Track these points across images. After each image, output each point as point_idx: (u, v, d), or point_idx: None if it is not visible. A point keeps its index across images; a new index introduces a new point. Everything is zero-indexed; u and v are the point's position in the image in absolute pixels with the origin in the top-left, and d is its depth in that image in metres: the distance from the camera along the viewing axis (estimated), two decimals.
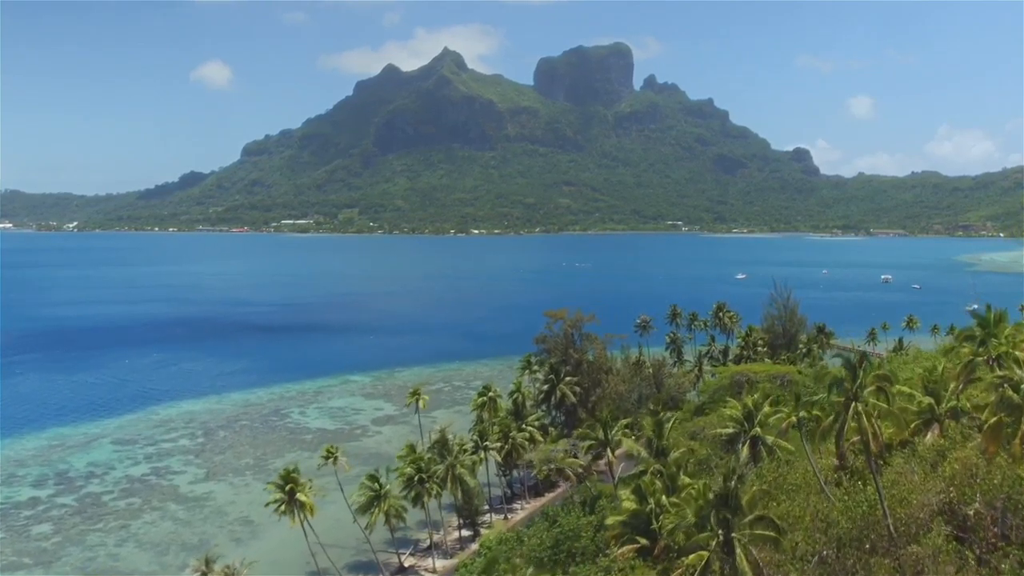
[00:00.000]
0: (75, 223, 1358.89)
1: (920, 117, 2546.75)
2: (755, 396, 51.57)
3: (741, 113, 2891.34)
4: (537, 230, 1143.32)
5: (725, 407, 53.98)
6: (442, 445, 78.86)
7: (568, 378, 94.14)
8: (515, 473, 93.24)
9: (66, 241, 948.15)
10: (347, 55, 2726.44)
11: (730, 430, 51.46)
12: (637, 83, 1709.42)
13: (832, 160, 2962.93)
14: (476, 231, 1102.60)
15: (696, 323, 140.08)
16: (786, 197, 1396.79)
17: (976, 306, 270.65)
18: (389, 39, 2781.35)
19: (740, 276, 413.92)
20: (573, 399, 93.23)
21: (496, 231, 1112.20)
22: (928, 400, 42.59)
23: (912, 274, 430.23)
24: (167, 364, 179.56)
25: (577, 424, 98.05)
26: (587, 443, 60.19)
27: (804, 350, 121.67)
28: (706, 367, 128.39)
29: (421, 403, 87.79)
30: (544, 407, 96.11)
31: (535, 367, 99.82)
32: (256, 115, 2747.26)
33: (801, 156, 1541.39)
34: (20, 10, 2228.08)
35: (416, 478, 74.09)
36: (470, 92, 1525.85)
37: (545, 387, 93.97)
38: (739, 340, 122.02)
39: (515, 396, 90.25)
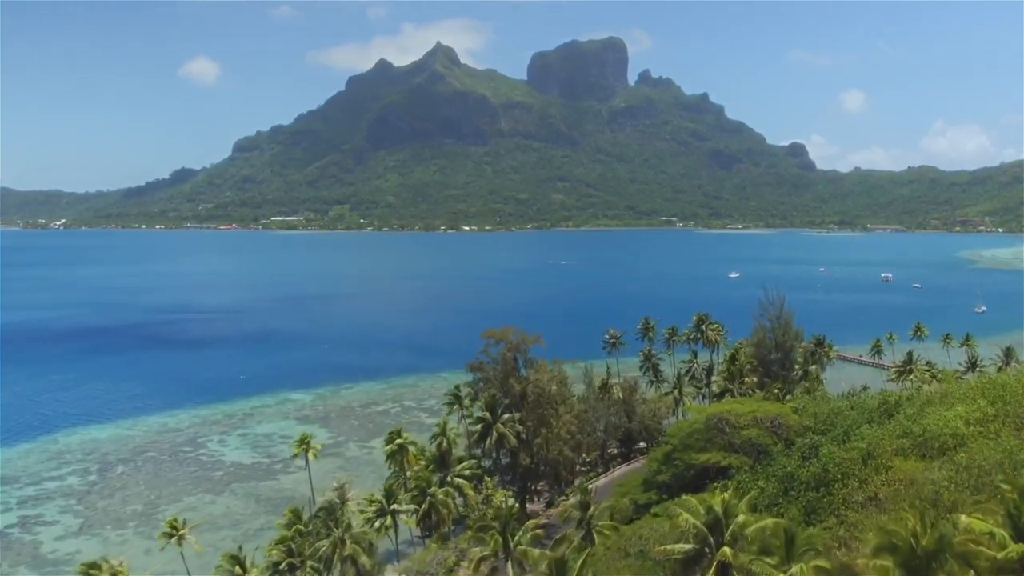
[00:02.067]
0: (62, 221, 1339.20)
1: (914, 112, 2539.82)
2: (726, 495, 33.25)
3: (736, 108, 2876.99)
4: (529, 226, 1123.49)
5: (680, 508, 35.17)
6: (328, 513, 60.24)
7: (507, 415, 75.57)
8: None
9: (44, 239, 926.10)
10: (336, 51, 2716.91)
11: (688, 546, 33.22)
12: (632, 78, 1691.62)
13: (827, 155, 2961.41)
14: (467, 228, 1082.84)
15: (676, 338, 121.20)
16: (782, 192, 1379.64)
17: (984, 308, 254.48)
18: (376, 35, 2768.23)
19: (733, 275, 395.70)
20: (514, 442, 74.72)
21: (488, 228, 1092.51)
22: (1021, 548, 24.46)
23: (912, 272, 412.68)
24: (82, 381, 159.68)
25: (519, 469, 79.59)
26: (479, 553, 41.90)
27: (800, 372, 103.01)
28: (687, 388, 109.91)
29: (311, 454, 68.69)
30: (480, 449, 77.50)
31: (466, 401, 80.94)
32: (247, 111, 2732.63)
33: (797, 151, 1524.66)
34: (12, 9, 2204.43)
35: (284, 564, 55.45)
36: (463, 87, 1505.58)
37: (478, 427, 75.35)
38: (722, 365, 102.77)
39: (438, 440, 71.57)
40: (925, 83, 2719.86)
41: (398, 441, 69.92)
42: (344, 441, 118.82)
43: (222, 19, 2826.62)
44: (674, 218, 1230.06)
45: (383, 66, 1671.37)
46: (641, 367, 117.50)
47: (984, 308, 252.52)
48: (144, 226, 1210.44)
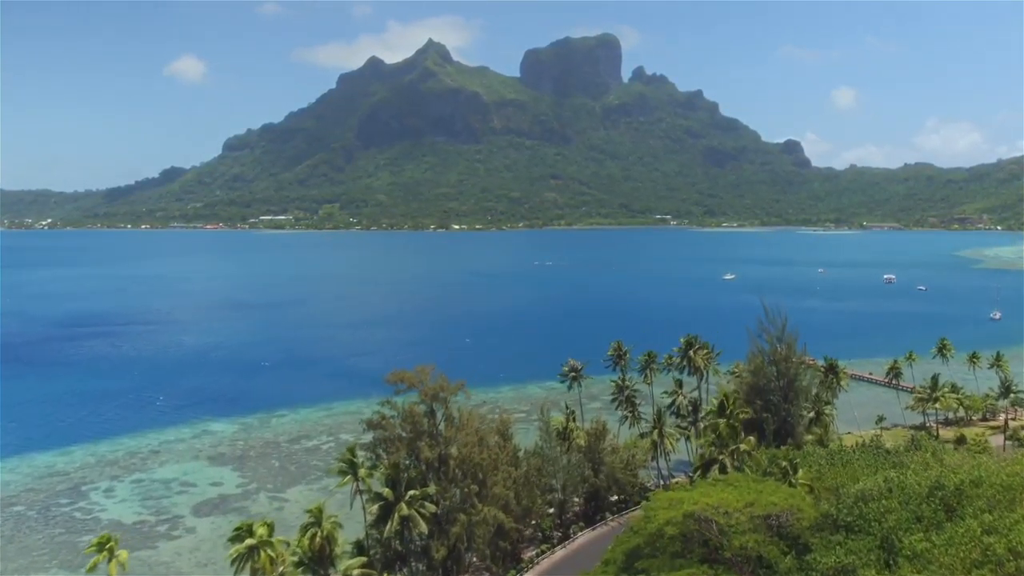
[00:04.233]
0: (47, 221, 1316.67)
1: (906, 109, 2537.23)
2: None
3: (731, 105, 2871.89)
4: (521, 225, 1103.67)
5: None
6: None
7: (414, 491, 55.24)
8: None
9: (23, 240, 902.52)
10: (322, 49, 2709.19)
11: None
12: (625, 74, 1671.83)
13: (821, 153, 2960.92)
14: (457, 226, 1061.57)
15: (655, 366, 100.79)
16: (777, 190, 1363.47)
17: (1000, 314, 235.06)
18: (362, 32, 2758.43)
19: (728, 277, 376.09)
20: (423, 527, 54.46)
21: (478, 226, 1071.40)
22: None
23: (915, 273, 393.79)
24: None
25: (433, 562, 59.06)
26: None
27: (812, 414, 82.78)
28: (668, 428, 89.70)
29: (112, 567, 47.85)
30: (377, 534, 56.99)
31: (362, 471, 59.91)
32: (237, 110, 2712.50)
33: (792, 148, 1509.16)
34: (6, 9, 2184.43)
35: None
36: (455, 84, 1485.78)
37: (376, 507, 55.06)
38: (706, 418, 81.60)
39: (311, 531, 51.08)
40: (916, 80, 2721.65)
41: (249, 541, 49.08)
42: (255, 491, 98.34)
43: (206, 17, 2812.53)
44: (668, 216, 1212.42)
45: (374, 63, 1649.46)
46: (613, 400, 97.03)
47: (1000, 314, 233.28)
48: (130, 226, 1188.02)
